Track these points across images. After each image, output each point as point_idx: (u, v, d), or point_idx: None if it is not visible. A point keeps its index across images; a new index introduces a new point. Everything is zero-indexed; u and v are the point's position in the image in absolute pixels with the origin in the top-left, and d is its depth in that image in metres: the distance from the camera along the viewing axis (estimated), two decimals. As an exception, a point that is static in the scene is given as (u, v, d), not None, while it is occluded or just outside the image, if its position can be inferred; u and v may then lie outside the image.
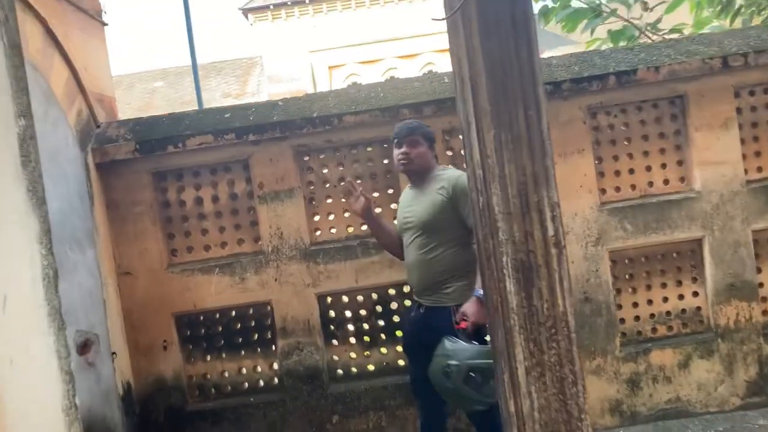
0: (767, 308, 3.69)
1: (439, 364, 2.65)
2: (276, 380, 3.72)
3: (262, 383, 3.74)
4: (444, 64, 13.46)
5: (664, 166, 3.69)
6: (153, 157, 3.61)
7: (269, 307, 3.68)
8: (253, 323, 3.74)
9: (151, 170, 3.64)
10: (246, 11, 15.49)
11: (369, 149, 3.71)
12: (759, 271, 3.67)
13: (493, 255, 1.64)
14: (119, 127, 3.70)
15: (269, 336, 3.72)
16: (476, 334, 2.77)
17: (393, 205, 3.68)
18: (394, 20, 14.88)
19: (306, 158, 3.69)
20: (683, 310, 3.72)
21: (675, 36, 4.65)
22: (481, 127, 1.61)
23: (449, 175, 2.93)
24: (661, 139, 3.69)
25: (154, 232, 3.64)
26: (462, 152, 3.62)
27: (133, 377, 3.62)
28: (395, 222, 3.20)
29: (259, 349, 3.74)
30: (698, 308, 3.71)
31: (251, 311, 3.73)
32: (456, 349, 2.63)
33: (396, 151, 2.99)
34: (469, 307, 2.71)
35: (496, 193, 1.61)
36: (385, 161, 3.70)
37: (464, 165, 1.88)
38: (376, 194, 3.69)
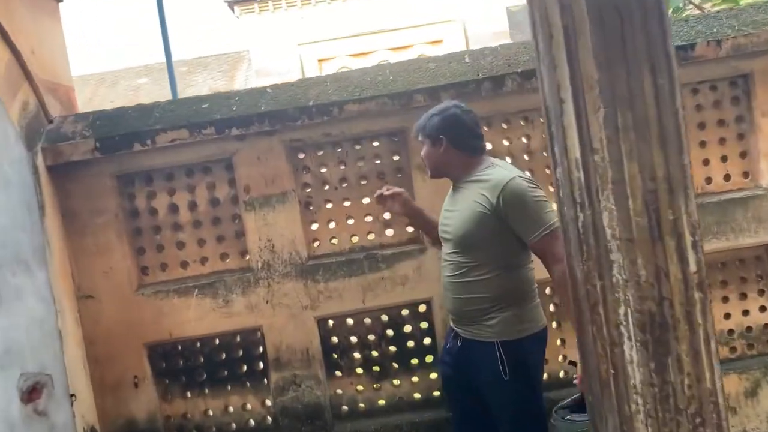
0: None
1: None
2: (269, 420, 3.15)
3: (252, 423, 3.17)
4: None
5: (724, 158, 3.14)
6: (117, 156, 3.01)
7: (260, 334, 3.10)
8: (240, 353, 3.16)
9: (116, 173, 3.05)
10: (232, 4, 14.92)
11: (376, 144, 3.13)
12: (838, 280, 3.13)
13: (602, 304, 1.06)
14: (76, 121, 3.09)
15: (260, 368, 3.15)
16: None
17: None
18: (384, 11, 14.42)
19: (301, 155, 3.11)
20: (749, 328, 3.17)
21: (729, 6, 4.08)
22: (583, 104, 1.02)
23: (496, 177, 2.26)
24: (721, 127, 3.13)
25: (121, 247, 3.05)
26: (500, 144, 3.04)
27: (98, 421, 3.03)
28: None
29: (248, 384, 3.16)
30: (766, 326, 3.17)
31: (238, 339, 3.15)
32: None
33: None
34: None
35: (607, 208, 1.03)
36: (396, 157, 3.12)
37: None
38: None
